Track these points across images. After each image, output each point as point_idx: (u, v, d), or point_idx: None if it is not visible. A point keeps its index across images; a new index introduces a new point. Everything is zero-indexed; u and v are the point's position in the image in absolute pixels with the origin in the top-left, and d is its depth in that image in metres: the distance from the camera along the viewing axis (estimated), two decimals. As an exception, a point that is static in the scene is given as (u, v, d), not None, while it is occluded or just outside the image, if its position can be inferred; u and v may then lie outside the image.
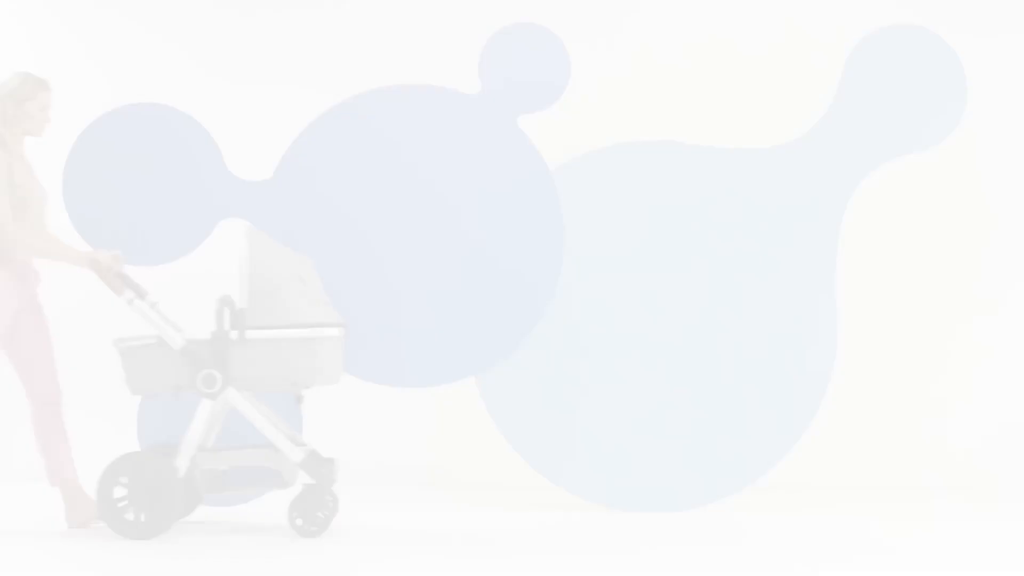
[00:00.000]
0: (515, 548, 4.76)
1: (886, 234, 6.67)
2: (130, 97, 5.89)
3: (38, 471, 5.33)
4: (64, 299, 6.69)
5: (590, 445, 5.66)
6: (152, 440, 5.48)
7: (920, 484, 6.55)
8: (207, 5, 6.79)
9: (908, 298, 6.69)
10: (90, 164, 5.53)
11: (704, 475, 5.60)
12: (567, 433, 5.68)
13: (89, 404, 6.67)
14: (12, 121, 5.07)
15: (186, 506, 5.10)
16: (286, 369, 4.86)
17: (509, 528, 5.22)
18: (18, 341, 5.11)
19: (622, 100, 6.67)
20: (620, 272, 5.70)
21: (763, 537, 4.95)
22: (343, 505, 5.84)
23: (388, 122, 5.62)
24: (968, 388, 6.68)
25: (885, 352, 6.66)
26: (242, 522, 5.29)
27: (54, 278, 6.69)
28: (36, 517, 5.45)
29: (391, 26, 6.74)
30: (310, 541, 4.90)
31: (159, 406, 5.51)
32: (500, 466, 6.17)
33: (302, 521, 4.91)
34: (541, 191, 5.59)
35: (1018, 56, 6.76)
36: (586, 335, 5.68)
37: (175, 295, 6.58)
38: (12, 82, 5.10)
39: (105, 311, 6.67)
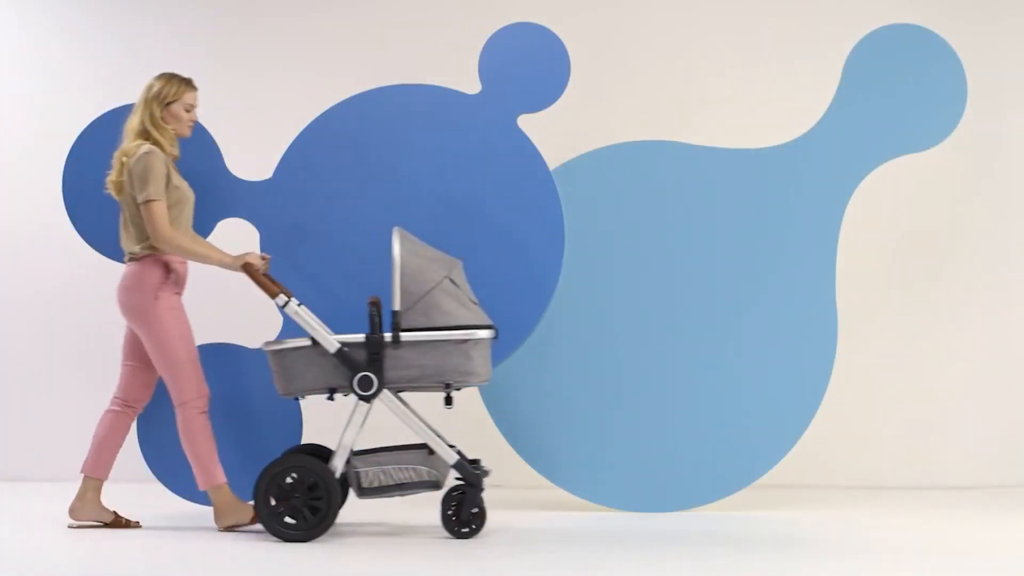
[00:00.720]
0: (514, 548, 4.76)
1: (885, 234, 6.68)
2: (130, 97, 5.88)
3: (34, 471, 5.35)
4: (64, 299, 6.72)
5: (590, 445, 5.66)
6: (145, 434, 5.52)
7: (920, 484, 6.56)
8: (207, 5, 6.80)
9: (908, 297, 6.70)
10: (90, 164, 5.51)
11: (704, 475, 5.60)
12: (567, 433, 5.68)
13: (90, 403, 6.69)
14: (160, 123, 5.09)
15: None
16: (439, 371, 4.85)
17: (509, 528, 5.22)
18: (171, 343, 5.06)
19: (622, 100, 6.68)
20: (620, 272, 5.69)
21: (763, 537, 4.95)
22: (343, 504, 5.87)
23: (388, 122, 5.62)
24: (967, 387, 6.68)
25: (884, 351, 6.66)
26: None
27: (55, 278, 6.72)
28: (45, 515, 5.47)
29: (391, 26, 6.75)
30: (307, 540, 4.91)
31: (160, 402, 5.53)
32: (500, 467, 6.17)
33: (456, 520, 4.93)
34: (541, 190, 5.59)
35: (1017, 54, 6.76)
36: (586, 335, 5.67)
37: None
38: (156, 84, 5.11)
39: (105, 311, 6.70)
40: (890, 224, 6.66)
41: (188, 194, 5.15)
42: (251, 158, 5.95)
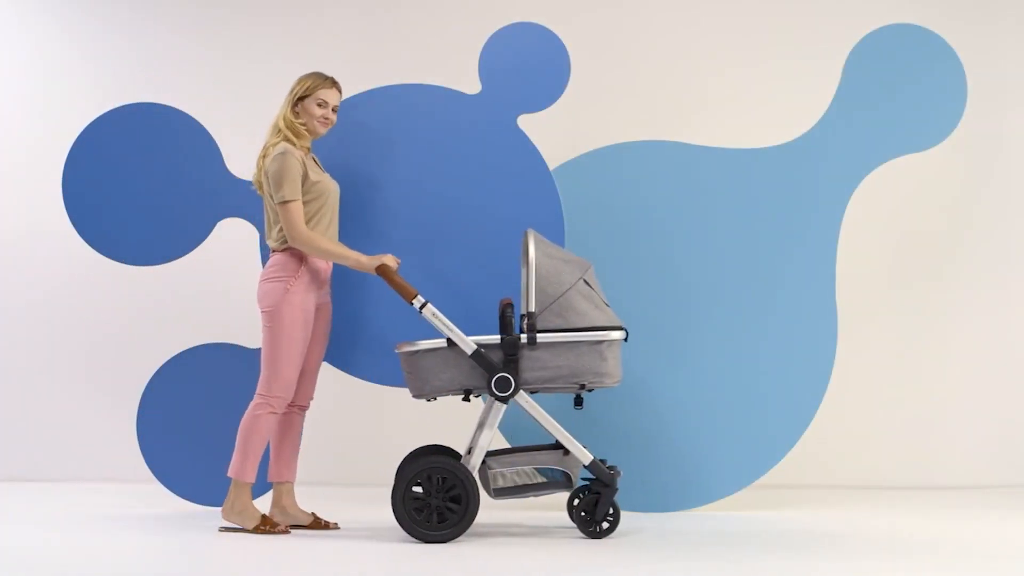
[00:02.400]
0: (513, 548, 4.76)
1: (885, 234, 6.69)
2: (130, 97, 5.90)
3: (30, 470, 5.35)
4: (63, 299, 6.73)
5: (590, 445, 5.66)
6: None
7: (920, 484, 6.56)
8: (207, 4, 6.80)
9: (908, 297, 6.71)
10: (91, 163, 5.53)
11: (705, 475, 5.60)
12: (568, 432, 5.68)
13: (89, 401, 6.70)
14: (293, 119, 5.07)
15: None
16: (574, 372, 4.84)
17: (507, 527, 5.23)
18: (283, 339, 4.97)
19: (622, 100, 6.69)
20: (619, 272, 5.70)
21: (764, 536, 4.95)
22: (344, 505, 5.88)
23: (388, 122, 5.62)
24: (967, 387, 6.69)
25: (884, 351, 6.67)
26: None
27: (54, 279, 6.73)
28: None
29: (391, 26, 6.76)
30: (304, 541, 4.91)
31: (160, 402, 5.53)
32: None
33: (589, 519, 4.92)
34: (541, 191, 5.60)
35: (1017, 54, 6.78)
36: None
37: (175, 293, 6.63)
38: (296, 83, 5.11)
39: (105, 310, 6.71)
40: (890, 224, 6.67)
41: (330, 186, 5.11)
42: (251, 158, 5.95)
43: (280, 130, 5.05)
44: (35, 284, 6.73)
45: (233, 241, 6.04)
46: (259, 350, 5.54)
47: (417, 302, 4.89)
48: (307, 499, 5.93)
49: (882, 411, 6.69)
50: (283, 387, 4.98)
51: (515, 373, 4.82)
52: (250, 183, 5.28)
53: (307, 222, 4.98)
